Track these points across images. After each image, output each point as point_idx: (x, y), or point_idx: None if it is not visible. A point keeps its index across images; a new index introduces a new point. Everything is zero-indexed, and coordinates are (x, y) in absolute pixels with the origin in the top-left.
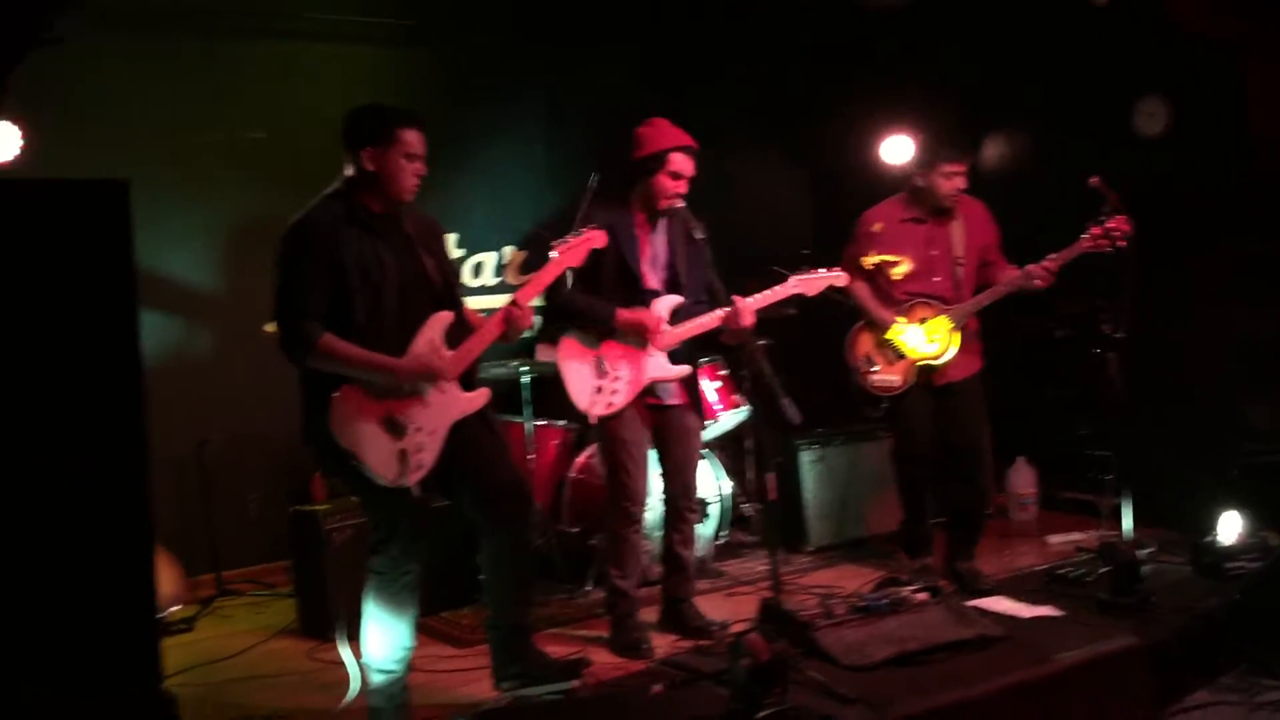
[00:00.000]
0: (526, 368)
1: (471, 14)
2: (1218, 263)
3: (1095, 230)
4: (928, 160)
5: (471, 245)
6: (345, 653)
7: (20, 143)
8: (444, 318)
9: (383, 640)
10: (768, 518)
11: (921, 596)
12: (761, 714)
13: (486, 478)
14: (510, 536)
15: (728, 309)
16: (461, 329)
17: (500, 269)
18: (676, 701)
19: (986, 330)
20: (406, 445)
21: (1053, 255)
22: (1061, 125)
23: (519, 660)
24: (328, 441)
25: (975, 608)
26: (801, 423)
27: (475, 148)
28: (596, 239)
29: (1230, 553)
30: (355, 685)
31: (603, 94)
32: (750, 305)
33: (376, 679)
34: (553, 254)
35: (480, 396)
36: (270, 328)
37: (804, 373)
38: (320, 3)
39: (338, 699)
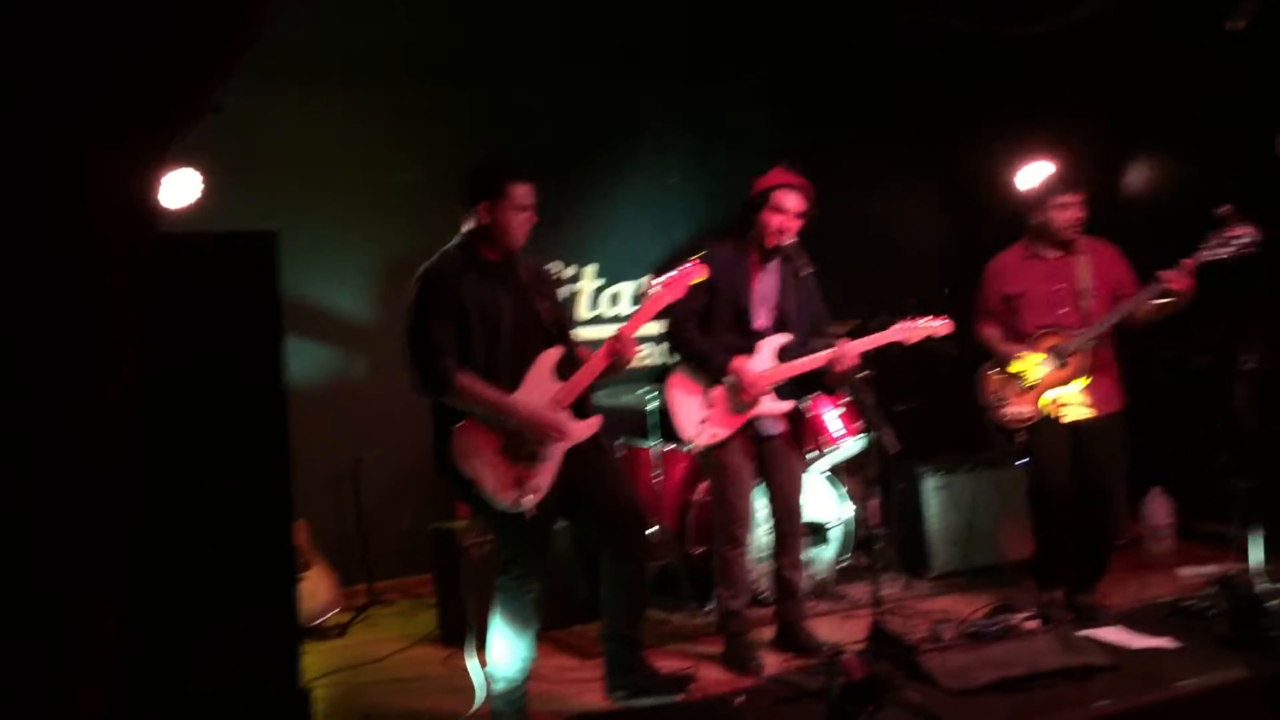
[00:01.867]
0: (653, 395)
1: (609, 53)
2: None
3: (1213, 239)
4: (1040, 197)
5: (610, 275)
6: (472, 662)
7: (200, 188)
8: (554, 354)
9: (507, 651)
10: (872, 542)
11: (1032, 624)
12: None
13: (605, 502)
14: (626, 557)
15: (834, 350)
16: (572, 363)
17: (638, 298)
18: (778, 716)
19: (1126, 359)
20: (522, 472)
21: (1180, 264)
22: (1204, 151)
23: (630, 672)
24: (453, 470)
25: (1087, 637)
26: (899, 452)
27: (613, 180)
28: (697, 273)
29: None
30: (480, 693)
31: (738, 126)
32: (854, 349)
33: (499, 686)
34: (653, 289)
35: (592, 424)
36: None
37: (935, 401)
38: (464, 47)
39: (467, 704)
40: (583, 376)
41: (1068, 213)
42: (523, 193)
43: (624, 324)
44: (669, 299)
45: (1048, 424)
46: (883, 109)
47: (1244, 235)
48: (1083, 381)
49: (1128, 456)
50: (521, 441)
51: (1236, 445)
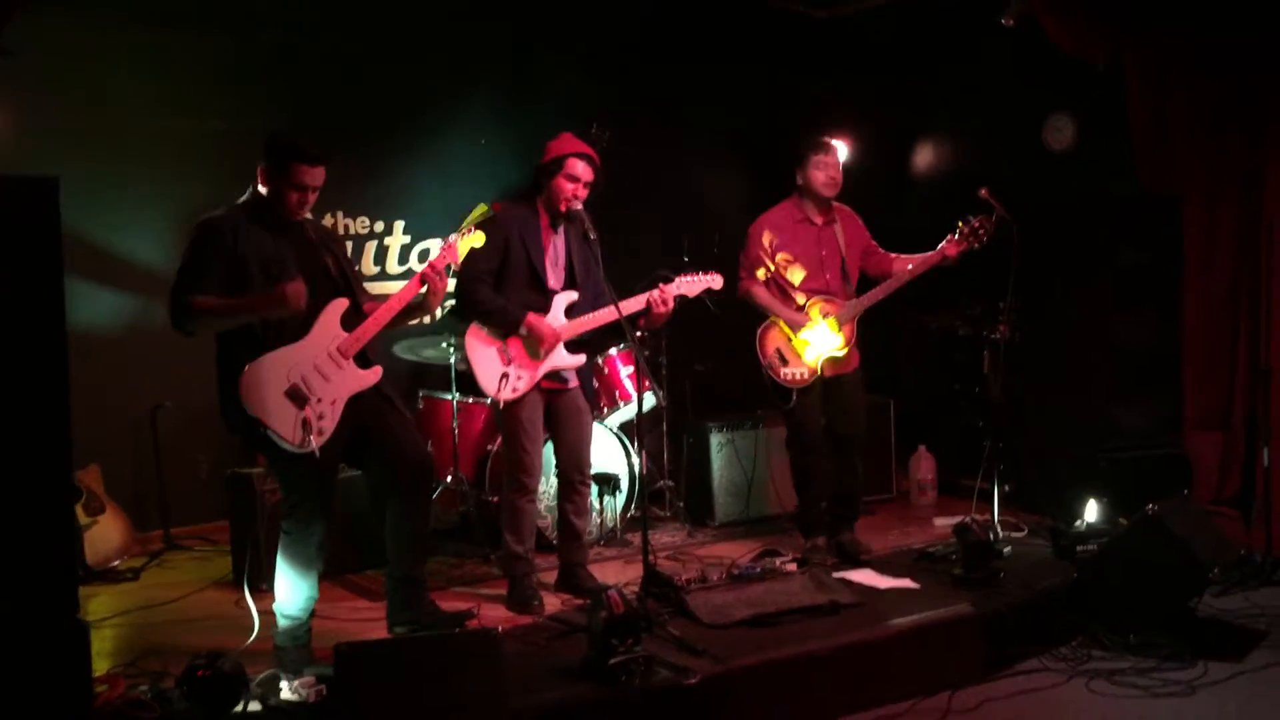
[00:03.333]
0: (454, 349)
1: (422, 14)
2: (1104, 272)
3: (964, 229)
4: (800, 157)
5: (418, 232)
6: (249, 601)
7: None
8: (340, 304)
9: (290, 591)
10: (658, 494)
11: (790, 567)
12: (613, 660)
13: (391, 449)
14: (410, 500)
15: (653, 293)
16: (358, 315)
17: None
18: (550, 650)
19: (901, 330)
20: (308, 414)
21: (934, 251)
22: (980, 137)
23: (411, 609)
24: (240, 413)
25: (838, 578)
26: (665, 407)
27: (423, 140)
28: (473, 238)
29: (1083, 537)
30: (256, 628)
31: (546, 90)
32: (671, 292)
33: (283, 623)
34: (439, 247)
35: (374, 374)
36: None
37: (727, 362)
38: (277, 2)
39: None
40: (370, 326)
41: (825, 171)
42: (303, 174)
43: (432, 259)
44: (447, 259)
45: (812, 383)
46: (689, 76)
47: (981, 229)
48: (846, 345)
49: (866, 406)
50: (304, 377)
51: (985, 408)
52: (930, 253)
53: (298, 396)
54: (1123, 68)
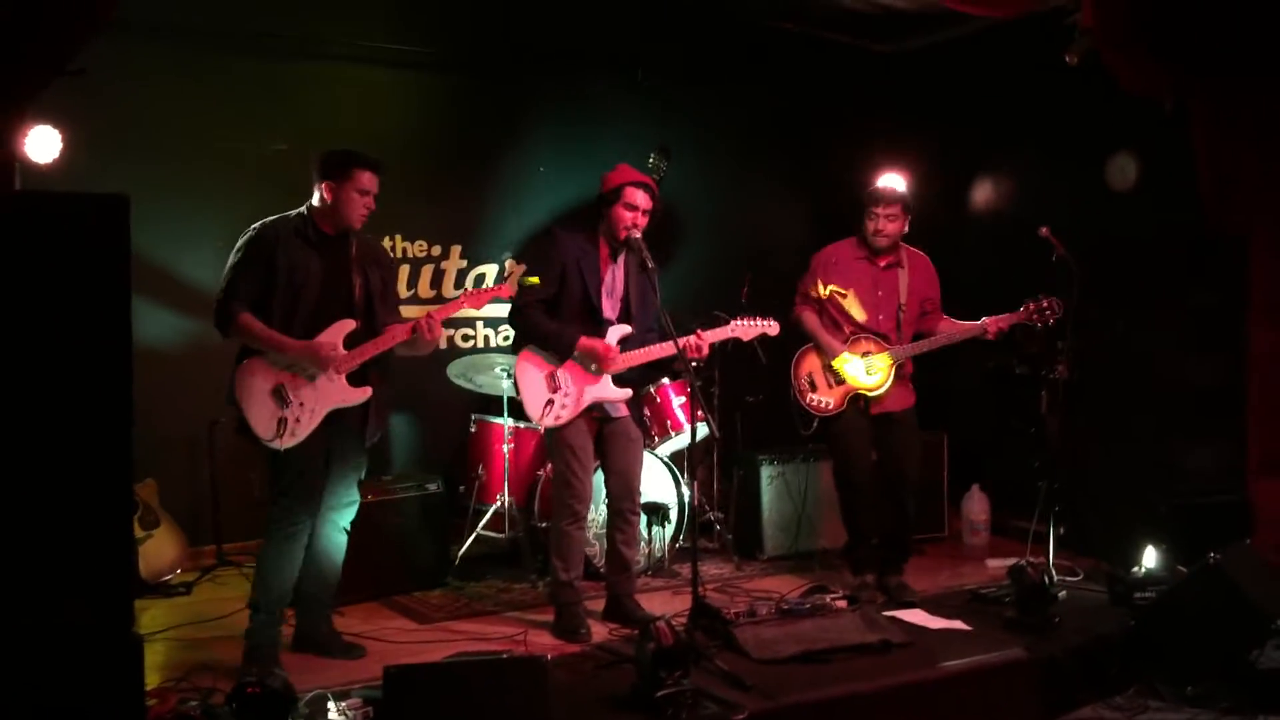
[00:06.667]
0: (507, 376)
1: (483, 42)
2: (1167, 312)
3: (1030, 305)
4: (862, 203)
5: (474, 257)
6: None
7: (59, 146)
8: (346, 324)
9: (265, 583)
10: (708, 525)
11: (840, 604)
12: (661, 692)
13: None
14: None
15: (689, 338)
16: (366, 336)
17: (501, 279)
18: (596, 680)
19: (956, 366)
20: (286, 415)
21: (998, 317)
22: (1042, 175)
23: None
24: (233, 400)
25: (889, 617)
26: (718, 438)
27: (480, 166)
28: (500, 294)
29: (1141, 584)
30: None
31: (606, 118)
32: (707, 339)
33: (258, 619)
34: (457, 297)
35: (361, 393)
36: None
37: (779, 393)
38: (343, 29)
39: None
40: (368, 349)
41: (873, 224)
42: (366, 179)
43: (438, 307)
44: (467, 306)
45: (846, 417)
46: (753, 108)
47: (1050, 310)
48: (889, 385)
49: (921, 448)
50: (293, 375)
51: (1041, 448)
52: (972, 323)
53: (281, 397)
54: (1189, 108)
